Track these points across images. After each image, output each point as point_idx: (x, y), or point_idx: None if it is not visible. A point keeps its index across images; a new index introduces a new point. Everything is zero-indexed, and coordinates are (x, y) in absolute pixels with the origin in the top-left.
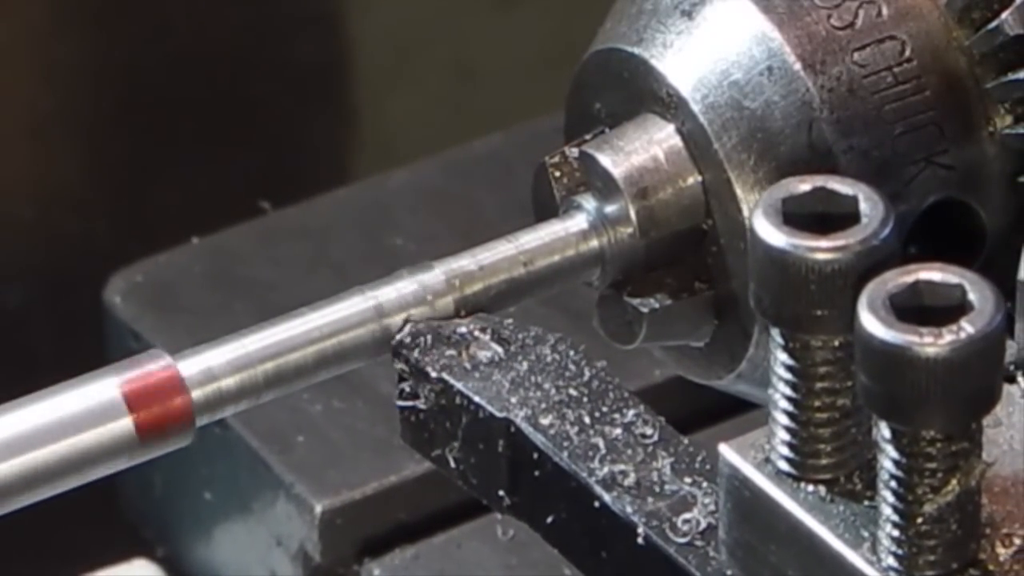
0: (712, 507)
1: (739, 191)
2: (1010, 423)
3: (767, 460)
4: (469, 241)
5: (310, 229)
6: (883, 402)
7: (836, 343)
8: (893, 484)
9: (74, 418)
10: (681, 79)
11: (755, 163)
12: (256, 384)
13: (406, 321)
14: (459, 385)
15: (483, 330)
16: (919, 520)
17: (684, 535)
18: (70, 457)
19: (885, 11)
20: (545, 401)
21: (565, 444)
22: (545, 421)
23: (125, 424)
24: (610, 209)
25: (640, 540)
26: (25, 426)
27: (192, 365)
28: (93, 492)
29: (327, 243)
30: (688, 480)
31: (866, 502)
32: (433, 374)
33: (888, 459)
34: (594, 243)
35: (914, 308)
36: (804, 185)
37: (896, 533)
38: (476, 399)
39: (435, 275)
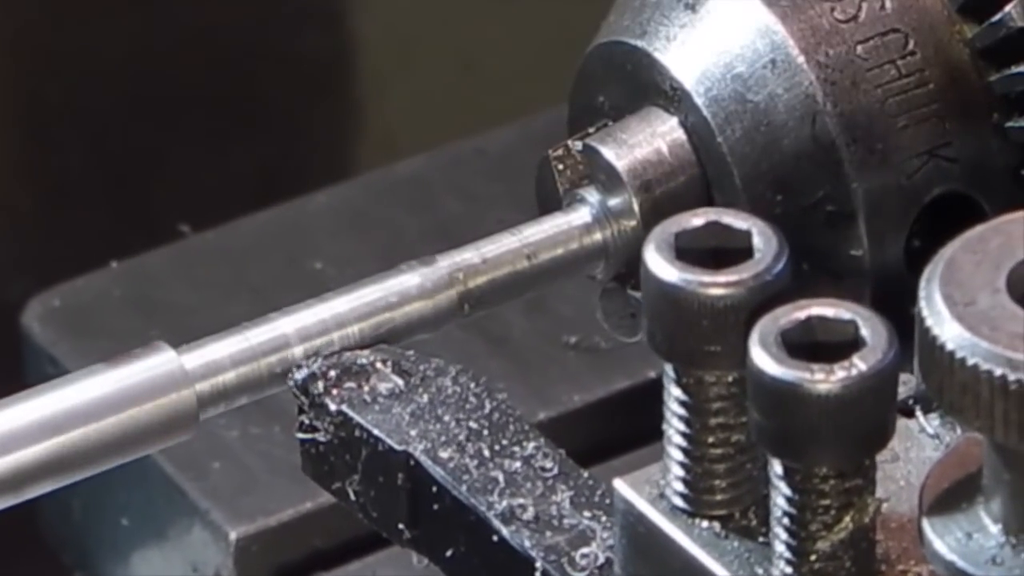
0: (611, 541)
1: (742, 184)
2: (907, 458)
3: (662, 496)
4: (389, 264)
5: (229, 252)
6: (775, 439)
7: (730, 379)
8: (786, 521)
9: (72, 413)
10: (684, 72)
11: (758, 156)
12: (260, 378)
13: (309, 355)
14: (358, 418)
15: (384, 362)
16: (812, 558)
17: (582, 570)
18: (57, 455)
19: (888, 4)
20: (445, 434)
21: (464, 477)
22: (444, 454)
23: (129, 416)
24: (613, 202)
25: (538, 575)
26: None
27: (196, 358)
28: (12, 517)
29: (246, 267)
30: (587, 514)
31: (760, 539)
32: (333, 407)
33: (781, 496)
34: (597, 236)
35: (806, 344)
36: (697, 219)
37: (790, 570)
38: (375, 432)
39: (438, 269)
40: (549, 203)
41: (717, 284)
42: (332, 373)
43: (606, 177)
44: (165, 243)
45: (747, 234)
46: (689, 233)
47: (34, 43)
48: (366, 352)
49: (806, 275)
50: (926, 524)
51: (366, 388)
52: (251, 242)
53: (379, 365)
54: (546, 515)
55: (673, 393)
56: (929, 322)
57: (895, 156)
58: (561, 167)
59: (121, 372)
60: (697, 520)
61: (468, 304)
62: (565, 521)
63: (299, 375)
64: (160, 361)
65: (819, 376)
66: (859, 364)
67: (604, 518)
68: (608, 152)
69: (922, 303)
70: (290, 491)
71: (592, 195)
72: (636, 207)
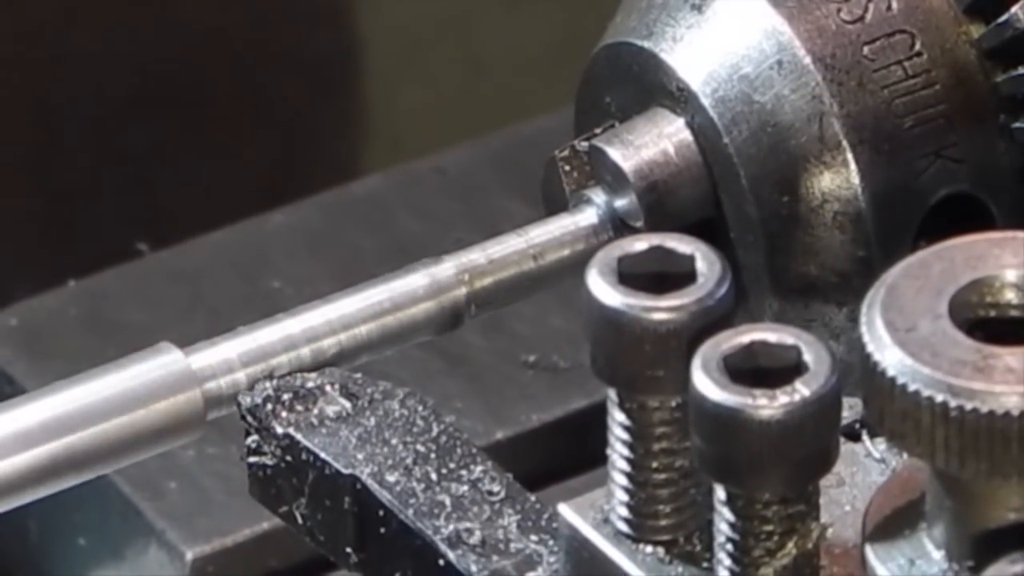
0: (558, 566)
1: (748, 185)
2: (853, 483)
3: (606, 520)
4: (347, 284)
5: (186, 272)
6: (717, 465)
7: (673, 404)
8: (729, 547)
9: (79, 413)
10: (691, 73)
11: (765, 157)
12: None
13: (267, 377)
14: (305, 441)
15: (331, 384)
16: None
17: None
18: (63, 456)
19: (895, 5)
20: (392, 457)
21: (411, 501)
22: (391, 478)
23: (136, 416)
24: (620, 203)
25: None
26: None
27: (203, 358)
28: None
29: (203, 286)
30: (534, 538)
31: (705, 564)
32: (279, 430)
33: (724, 522)
34: (604, 237)
35: (749, 369)
36: (640, 244)
37: None
38: (322, 455)
39: (445, 269)
40: (555, 204)
41: (659, 309)
42: (279, 396)
43: (612, 178)
44: (124, 261)
45: (690, 258)
46: (632, 257)
47: (39, 44)
48: (314, 375)
49: (813, 276)
50: (869, 550)
51: (313, 411)
52: (208, 261)
53: (327, 388)
54: (492, 539)
55: (616, 418)
56: (870, 348)
57: (902, 157)
58: (567, 168)
59: (128, 373)
60: (641, 545)
61: (475, 305)
62: (512, 545)
63: (247, 398)
64: (167, 361)
65: (761, 402)
66: (802, 389)
67: (551, 542)
68: (614, 153)
69: (863, 328)
70: (246, 511)
71: (598, 196)
72: (642, 208)
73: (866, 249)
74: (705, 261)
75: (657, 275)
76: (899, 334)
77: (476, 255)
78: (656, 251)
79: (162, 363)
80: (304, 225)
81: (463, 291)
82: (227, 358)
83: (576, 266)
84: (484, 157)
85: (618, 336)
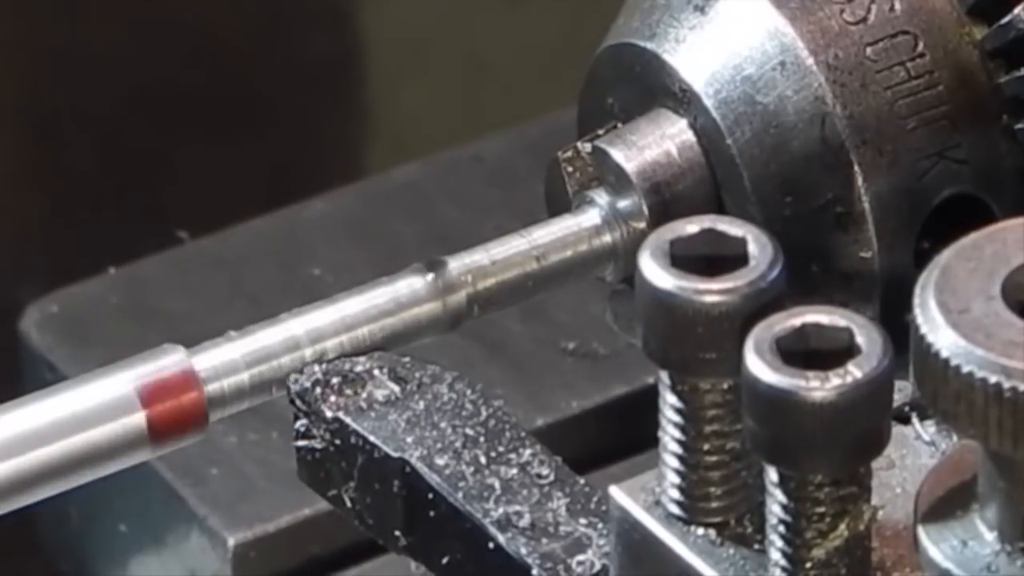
0: (607, 549)
1: (751, 186)
2: (903, 465)
3: (657, 503)
4: (387, 271)
5: (226, 259)
6: (769, 447)
7: (725, 386)
8: (781, 529)
9: (87, 413)
10: (694, 74)
11: (768, 158)
12: (269, 380)
13: (316, 361)
14: (355, 425)
15: (380, 368)
16: (808, 565)
17: None
18: (84, 453)
19: (898, 6)
20: (441, 441)
21: (460, 484)
22: (440, 461)
23: (138, 419)
24: (623, 204)
25: None
26: (37, 422)
27: (207, 359)
28: (10, 524)
29: (243, 273)
30: (583, 521)
31: (756, 546)
32: (329, 414)
33: (776, 503)
34: (607, 238)
35: (801, 351)
36: (692, 227)
37: None
38: (371, 439)
39: (448, 270)
40: (558, 205)
41: (712, 291)
42: (328, 380)
43: (615, 179)
44: (165, 249)
45: (742, 241)
46: (684, 240)
47: (40, 45)
48: (362, 359)
49: (816, 277)
50: (921, 531)
51: (362, 395)
52: (249, 248)
53: (375, 372)
54: (542, 522)
55: (668, 400)
56: (924, 329)
57: (904, 158)
58: (570, 169)
59: (132, 373)
60: (692, 527)
61: (478, 306)
62: (561, 528)
63: (296, 382)
64: (170, 362)
65: (814, 383)
66: (854, 371)
67: (600, 525)
68: (617, 154)
69: (917, 310)
70: (288, 497)
71: (601, 197)
72: (645, 209)
73: (869, 250)
74: (757, 244)
75: (709, 258)
76: (952, 315)
77: (479, 256)
78: (708, 234)
79: (166, 364)
80: (344, 213)
81: (466, 292)
82: (230, 360)
83: (579, 267)
84: (522, 145)
85: (670, 319)
